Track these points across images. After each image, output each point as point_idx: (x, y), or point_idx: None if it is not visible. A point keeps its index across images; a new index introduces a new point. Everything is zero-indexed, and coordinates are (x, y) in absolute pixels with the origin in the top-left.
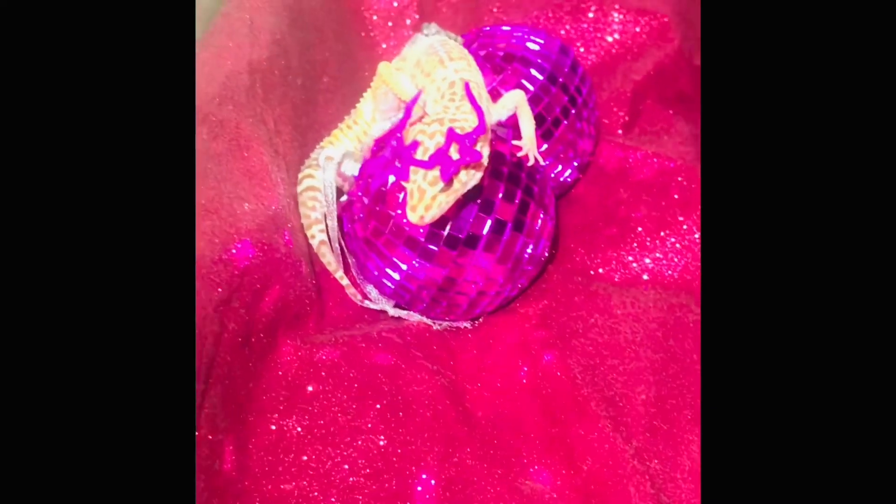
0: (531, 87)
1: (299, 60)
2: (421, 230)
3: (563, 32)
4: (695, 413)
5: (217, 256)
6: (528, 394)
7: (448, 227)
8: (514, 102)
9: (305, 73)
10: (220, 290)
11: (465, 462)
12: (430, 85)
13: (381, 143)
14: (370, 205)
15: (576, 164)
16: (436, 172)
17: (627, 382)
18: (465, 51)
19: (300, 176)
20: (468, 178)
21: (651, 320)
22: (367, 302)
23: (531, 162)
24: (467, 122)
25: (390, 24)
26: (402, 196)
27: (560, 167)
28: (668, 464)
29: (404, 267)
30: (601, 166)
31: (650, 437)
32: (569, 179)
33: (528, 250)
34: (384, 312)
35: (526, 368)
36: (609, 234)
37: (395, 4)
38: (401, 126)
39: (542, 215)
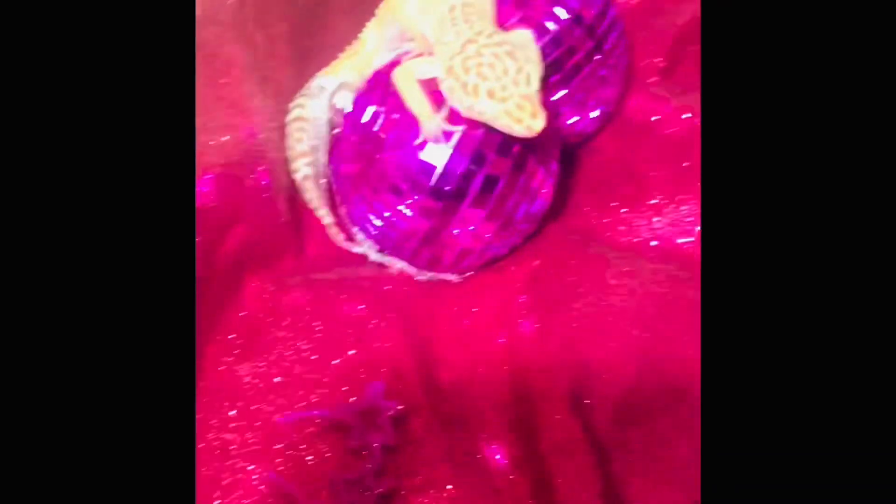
0: (553, 27)
1: None
2: (405, 178)
3: None
4: (670, 402)
5: None
6: (500, 364)
7: (435, 177)
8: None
9: None
10: None
11: (416, 431)
12: (435, 6)
13: (377, 78)
14: (357, 144)
15: (597, 112)
16: (526, 73)
17: (606, 363)
18: None
19: (291, 105)
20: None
21: (645, 294)
22: (349, 244)
23: None
24: None
25: None
26: (386, 136)
27: (578, 117)
28: (633, 458)
29: (387, 214)
30: (628, 117)
31: (618, 428)
32: (588, 129)
33: (523, 208)
34: (367, 256)
35: (503, 338)
36: (623, 193)
37: None
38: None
39: (542, 170)
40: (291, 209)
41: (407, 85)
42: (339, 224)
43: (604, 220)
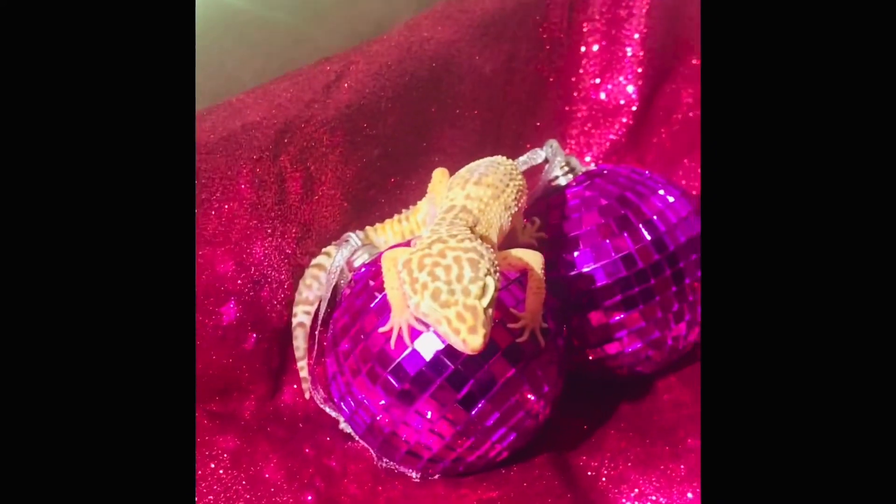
0: (632, 246)
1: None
2: (365, 359)
3: None
4: None
5: None
6: None
7: (390, 370)
8: (528, 264)
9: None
10: None
11: None
12: (443, 201)
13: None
14: (346, 309)
15: (660, 347)
16: (481, 284)
17: None
18: (513, 180)
19: (324, 249)
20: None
21: None
22: (322, 403)
23: (524, 337)
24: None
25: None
26: (366, 312)
27: (639, 345)
28: None
29: (349, 386)
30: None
31: None
32: (643, 364)
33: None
34: (338, 422)
35: None
36: (654, 451)
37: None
38: None
39: (528, 390)
40: (277, 352)
41: (389, 270)
42: (316, 381)
43: (603, 474)
